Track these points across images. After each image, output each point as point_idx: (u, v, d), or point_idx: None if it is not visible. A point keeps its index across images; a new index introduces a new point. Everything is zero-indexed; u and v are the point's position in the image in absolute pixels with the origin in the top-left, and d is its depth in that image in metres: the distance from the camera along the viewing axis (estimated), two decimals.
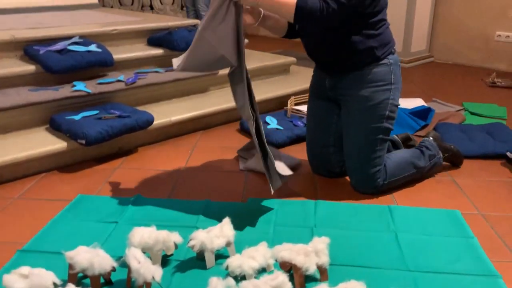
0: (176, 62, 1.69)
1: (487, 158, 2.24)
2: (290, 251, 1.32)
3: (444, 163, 2.09)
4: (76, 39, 2.58)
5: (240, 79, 1.67)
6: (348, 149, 1.88)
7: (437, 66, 4.43)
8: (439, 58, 4.64)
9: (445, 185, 1.98)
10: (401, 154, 1.96)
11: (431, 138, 2.08)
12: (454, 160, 2.14)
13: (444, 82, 3.82)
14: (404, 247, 1.52)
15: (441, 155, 2.04)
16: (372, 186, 1.86)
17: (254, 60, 3.32)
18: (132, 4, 6.00)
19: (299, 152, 2.28)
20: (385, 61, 1.78)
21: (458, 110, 2.97)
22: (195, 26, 3.31)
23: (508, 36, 4.15)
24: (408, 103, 2.95)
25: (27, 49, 2.52)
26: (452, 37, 4.50)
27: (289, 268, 1.33)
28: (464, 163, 2.18)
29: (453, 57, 4.54)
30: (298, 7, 1.57)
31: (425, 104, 2.95)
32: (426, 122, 2.69)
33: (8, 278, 1.20)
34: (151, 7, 6.01)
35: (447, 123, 2.63)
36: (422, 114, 2.75)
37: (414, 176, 1.95)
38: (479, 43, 4.33)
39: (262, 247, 1.39)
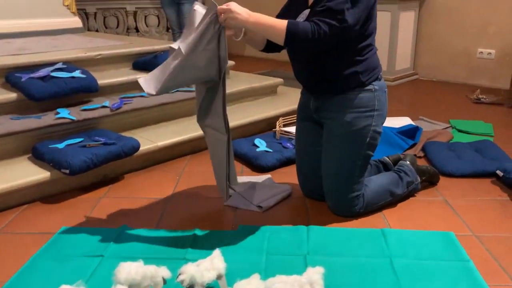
0: (147, 84, 1.60)
1: (477, 176, 2.23)
2: (284, 284, 1.28)
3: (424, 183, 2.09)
4: (59, 65, 2.54)
5: (217, 93, 1.67)
6: (326, 172, 1.86)
7: (422, 84, 4.48)
8: (423, 76, 4.69)
9: (437, 206, 1.97)
10: (380, 181, 1.93)
11: (408, 162, 2.05)
12: (431, 180, 2.13)
13: (429, 99, 3.85)
14: (400, 273, 1.48)
15: (419, 181, 2.03)
16: (348, 211, 1.84)
17: (241, 81, 3.31)
18: (117, 26, 6.00)
19: (290, 174, 2.25)
20: (370, 87, 1.77)
21: (445, 128, 2.98)
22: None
23: (489, 53, 4.22)
24: (396, 121, 2.95)
25: (9, 76, 2.47)
26: (435, 55, 4.57)
27: None
28: (454, 182, 2.17)
29: (437, 75, 4.60)
30: (289, 30, 1.56)
31: (413, 123, 2.96)
32: (414, 141, 2.69)
33: None
34: (137, 30, 6.01)
35: (435, 141, 2.63)
36: (410, 133, 2.76)
37: (390, 202, 1.93)
38: (462, 60, 4.39)
39: (255, 279, 1.34)
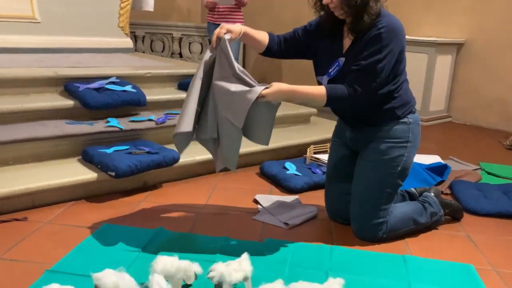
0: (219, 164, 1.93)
1: (502, 217, 2.26)
2: None
3: (446, 217, 2.14)
4: (113, 79, 2.77)
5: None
6: (355, 197, 1.94)
7: (454, 127, 4.52)
8: (457, 119, 4.73)
9: (459, 240, 2.01)
10: (404, 209, 2.00)
11: (432, 194, 2.12)
12: (454, 215, 2.18)
13: (461, 141, 3.89)
14: None
15: (443, 213, 2.08)
16: (372, 236, 1.92)
17: None
18: (163, 50, 6.35)
19: (317, 198, 2.35)
20: (405, 119, 1.88)
21: (474, 169, 3.02)
22: None
23: None
24: (425, 159, 3.02)
25: (68, 85, 2.72)
26: (470, 100, 4.61)
27: None
28: (479, 220, 2.22)
29: (470, 119, 4.63)
30: (329, 97, 1.73)
31: (442, 161, 3.01)
32: (442, 178, 2.74)
33: None
34: (180, 55, 6.34)
35: (463, 180, 2.68)
36: (439, 170, 2.81)
37: (412, 230, 1.99)
38: (497, 107, 4.42)
39: (279, 284, 1.44)
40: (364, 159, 1.92)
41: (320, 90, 1.74)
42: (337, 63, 1.81)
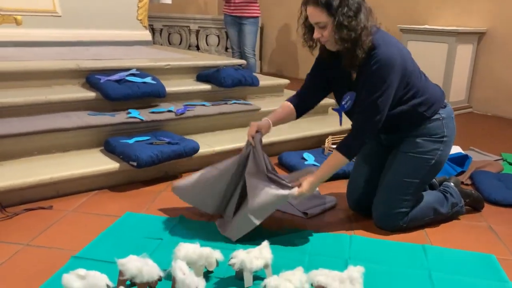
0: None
1: None
2: (326, 277, 1.39)
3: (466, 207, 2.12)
4: (133, 71, 2.81)
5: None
6: (383, 185, 1.93)
7: (475, 117, 4.45)
8: (478, 109, 4.65)
9: (480, 230, 2.00)
10: (425, 198, 1.99)
11: (452, 183, 2.11)
12: (475, 205, 2.16)
13: (482, 132, 3.83)
14: (438, 285, 1.54)
15: (463, 203, 2.07)
16: (392, 225, 1.91)
17: None
18: (180, 43, 6.39)
19: (335, 188, 2.35)
20: (436, 116, 1.87)
21: (496, 160, 2.98)
22: (241, 65, 3.52)
23: None
24: None
25: (89, 77, 2.76)
26: (491, 89, 4.53)
27: None
28: (500, 210, 2.19)
29: (492, 109, 4.55)
30: (349, 155, 1.77)
31: (463, 152, 2.98)
32: (463, 168, 2.71)
33: (67, 277, 1.32)
34: (198, 47, 6.37)
35: (484, 171, 2.65)
36: (459, 160, 2.78)
37: (432, 220, 1.98)
38: None
39: (299, 271, 1.45)
40: (398, 150, 1.91)
41: (338, 158, 1.77)
42: (348, 97, 1.83)
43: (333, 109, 1.96)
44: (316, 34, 1.73)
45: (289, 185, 1.78)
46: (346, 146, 1.77)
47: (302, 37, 1.82)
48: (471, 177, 2.60)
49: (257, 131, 1.85)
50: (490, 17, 4.41)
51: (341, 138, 2.98)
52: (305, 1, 1.71)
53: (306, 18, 1.75)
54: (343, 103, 1.85)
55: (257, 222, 1.75)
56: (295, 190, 1.74)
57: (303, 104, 1.97)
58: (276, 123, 1.93)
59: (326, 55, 1.84)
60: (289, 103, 1.97)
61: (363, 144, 1.78)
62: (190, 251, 1.47)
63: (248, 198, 1.78)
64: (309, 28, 1.77)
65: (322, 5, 1.64)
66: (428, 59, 4.36)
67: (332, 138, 2.99)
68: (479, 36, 4.49)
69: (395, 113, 1.81)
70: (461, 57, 4.41)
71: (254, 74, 3.42)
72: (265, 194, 1.75)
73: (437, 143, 1.86)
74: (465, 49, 4.44)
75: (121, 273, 1.40)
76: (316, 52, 1.89)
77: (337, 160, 1.78)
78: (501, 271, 1.66)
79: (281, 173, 2.57)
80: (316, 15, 1.67)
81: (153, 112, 2.63)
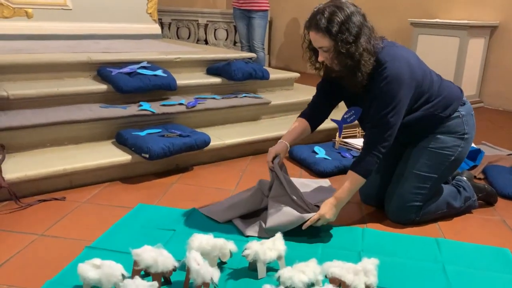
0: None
1: None
2: (340, 268, 1.39)
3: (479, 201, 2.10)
4: (144, 64, 2.81)
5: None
6: (399, 177, 1.92)
7: (487, 112, 4.41)
8: (489, 104, 4.61)
9: (493, 224, 1.98)
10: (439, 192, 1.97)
11: (465, 177, 2.09)
12: (488, 200, 2.15)
13: (494, 127, 3.80)
14: (452, 278, 1.54)
15: (476, 198, 2.05)
16: (405, 218, 1.90)
17: (303, 93, 3.47)
18: (188, 37, 6.38)
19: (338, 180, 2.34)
20: (456, 114, 1.85)
21: (508, 154, 2.95)
22: (251, 59, 3.51)
23: None
24: None
25: (101, 70, 2.77)
26: (504, 84, 4.48)
27: (338, 284, 1.38)
28: None
29: (504, 104, 4.51)
30: (366, 175, 1.75)
31: (475, 146, 2.95)
32: (475, 163, 2.69)
33: (83, 266, 1.34)
34: (206, 42, 6.36)
35: (496, 165, 2.63)
36: (472, 155, 2.75)
37: (445, 214, 1.97)
38: None
39: (312, 263, 1.45)
40: (418, 145, 1.90)
41: (355, 178, 1.76)
42: (353, 111, 1.82)
43: (332, 120, 1.95)
44: (320, 58, 1.73)
45: (307, 206, 1.80)
46: (360, 166, 1.75)
47: (309, 60, 1.83)
48: (483, 172, 2.58)
49: (275, 157, 1.85)
50: (502, 10, 4.36)
51: (351, 132, 3.00)
52: (307, 26, 1.71)
53: (310, 42, 1.75)
54: (345, 116, 1.85)
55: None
56: (315, 215, 1.73)
57: (317, 113, 1.95)
58: (293, 142, 1.93)
59: (333, 73, 1.82)
60: (301, 118, 1.96)
61: (378, 160, 1.75)
62: (204, 242, 1.47)
63: (267, 216, 1.79)
64: (314, 51, 1.78)
65: (322, 30, 1.63)
66: (439, 53, 4.32)
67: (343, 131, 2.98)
68: (491, 29, 4.44)
69: (410, 120, 1.80)
70: (473, 51, 4.36)
71: (264, 67, 3.41)
72: (284, 215, 1.76)
73: (458, 140, 1.85)
74: (477, 43, 4.39)
75: (135, 263, 1.41)
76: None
77: (355, 182, 1.77)
78: None
79: (292, 166, 2.58)
80: (318, 40, 1.67)
81: (164, 105, 2.63)
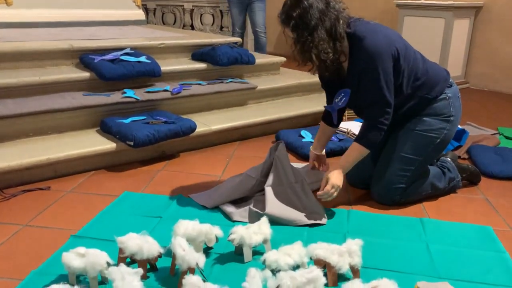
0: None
1: None
2: (325, 250, 1.40)
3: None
4: (127, 50, 2.77)
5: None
6: (385, 159, 1.93)
7: (472, 92, 4.44)
8: (475, 85, 4.64)
9: (477, 203, 2.01)
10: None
11: (449, 158, 2.11)
12: (472, 180, 2.18)
13: (479, 107, 3.83)
14: (435, 256, 1.56)
15: (460, 178, 2.08)
16: (390, 199, 1.92)
17: (290, 77, 3.46)
18: (174, 23, 6.29)
19: (332, 164, 2.33)
20: (443, 95, 1.86)
21: (493, 134, 2.98)
22: (236, 43, 3.47)
23: None
24: None
25: (83, 57, 2.72)
26: (489, 64, 4.51)
27: (323, 266, 1.39)
28: (497, 183, 2.20)
29: (489, 84, 4.54)
30: (370, 146, 1.79)
31: (459, 126, 2.98)
32: (459, 143, 2.71)
33: (67, 255, 1.33)
34: (192, 27, 6.28)
35: (481, 145, 2.66)
36: (457, 135, 2.77)
37: (429, 195, 2.00)
38: None
39: (298, 245, 1.47)
40: (404, 127, 1.91)
41: (360, 149, 1.80)
42: (342, 94, 1.82)
43: (325, 106, 1.95)
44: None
45: (308, 207, 1.81)
46: (366, 138, 1.78)
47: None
48: (468, 151, 2.61)
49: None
50: None
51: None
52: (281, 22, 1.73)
53: None
54: (336, 100, 1.85)
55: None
56: (328, 186, 1.77)
57: (335, 107, 1.92)
58: (323, 147, 2.04)
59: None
60: (322, 121, 2.01)
61: (383, 132, 1.77)
62: (189, 227, 1.47)
63: (266, 205, 1.78)
64: None
65: (285, 24, 1.68)
66: (424, 34, 4.32)
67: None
68: (476, 10, 4.44)
69: (400, 101, 1.81)
70: (458, 32, 4.37)
71: (250, 52, 3.37)
72: (286, 211, 1.77)
73: (444, 122, 1.86)
74: (462, 24, 4.40)
75: (121, 250, 1.41)
76: None
77: (359, 152, 1.81)
78: (497, 242, 1.68)
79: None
80: (287, 33, 1.71)
81: (148, 92, 2.60)
